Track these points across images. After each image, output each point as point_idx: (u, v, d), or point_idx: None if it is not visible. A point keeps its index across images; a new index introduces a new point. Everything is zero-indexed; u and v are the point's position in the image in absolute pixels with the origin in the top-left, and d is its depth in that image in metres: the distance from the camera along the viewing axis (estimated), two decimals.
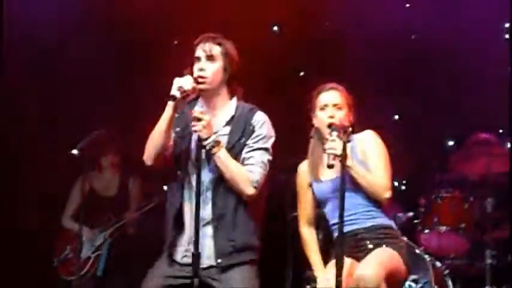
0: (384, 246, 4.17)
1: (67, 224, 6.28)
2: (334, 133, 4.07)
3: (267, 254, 4.11)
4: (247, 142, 3.96)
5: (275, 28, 6.87)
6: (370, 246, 4.17)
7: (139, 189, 6.38)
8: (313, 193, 4.36)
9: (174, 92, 3.87)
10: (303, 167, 4.40)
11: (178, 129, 4.04)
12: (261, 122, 4.01)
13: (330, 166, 3.98)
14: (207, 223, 3.93)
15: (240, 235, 3.93)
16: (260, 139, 3.98)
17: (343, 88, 4.33)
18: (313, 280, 4.36)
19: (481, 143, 5.99)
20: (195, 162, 3.89)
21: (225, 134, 3.98)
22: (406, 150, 5.94)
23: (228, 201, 3.93)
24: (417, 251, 5.53)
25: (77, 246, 5.55)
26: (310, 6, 6.49)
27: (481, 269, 5.82)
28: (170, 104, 3.90)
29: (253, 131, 3.98)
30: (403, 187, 6.22)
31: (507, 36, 6.59)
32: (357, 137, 4.29)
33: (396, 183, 6.05)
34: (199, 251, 3.75)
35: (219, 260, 3.91)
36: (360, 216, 4.20)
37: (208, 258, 3.91)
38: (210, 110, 4.00)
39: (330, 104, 4.25)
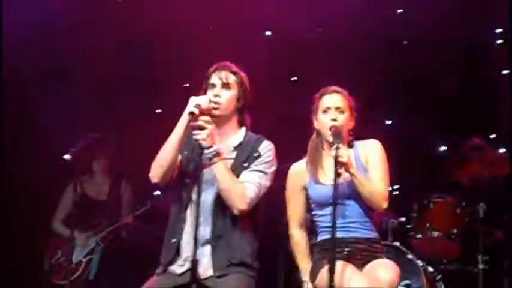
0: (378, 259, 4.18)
1: (57, 229, 6.26)
2: (339, 142, 4.01)
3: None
4: (250, 166, 4.01)
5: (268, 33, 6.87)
6: (359, 257, 4.16)
7: (131, 193, 6.36)
8: (308, 195, 4.33)
9: (192, 108, 3.88)
10: (297, 168, 4.37)
11: (186, 152, 4.06)
12: (266, 149, 4.07)
13: (338, 175, 3.94)
14: (206, 242, 3.95)
15: (239, 254, 3.96)
16: (262, 163, 4.04)
17: (345, 92, 4.33)
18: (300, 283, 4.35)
19: (474, 148, 5.99)
20: (195, 179, 3.90)
21: (231, 158, 4.02)
22: (398, 156, 5.93)
23: (227, 222, 3.96)
24: (409, 256, 5.53)
25: (68, 250, 5.53)
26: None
27: (474, 274, 5.82)
28: (185, 119, 3.91)
29: (257, 158, 4.03)
30: (395, 192, 6.20)
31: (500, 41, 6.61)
32: (360, 144, 4.29)
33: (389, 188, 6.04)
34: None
35: (217, 273, 3.93)
36: (359, 225, 4.20)
37: (205, 270, 3.93)
38: (219, 136, 4.03)
39: (333, 107, 4.25)
